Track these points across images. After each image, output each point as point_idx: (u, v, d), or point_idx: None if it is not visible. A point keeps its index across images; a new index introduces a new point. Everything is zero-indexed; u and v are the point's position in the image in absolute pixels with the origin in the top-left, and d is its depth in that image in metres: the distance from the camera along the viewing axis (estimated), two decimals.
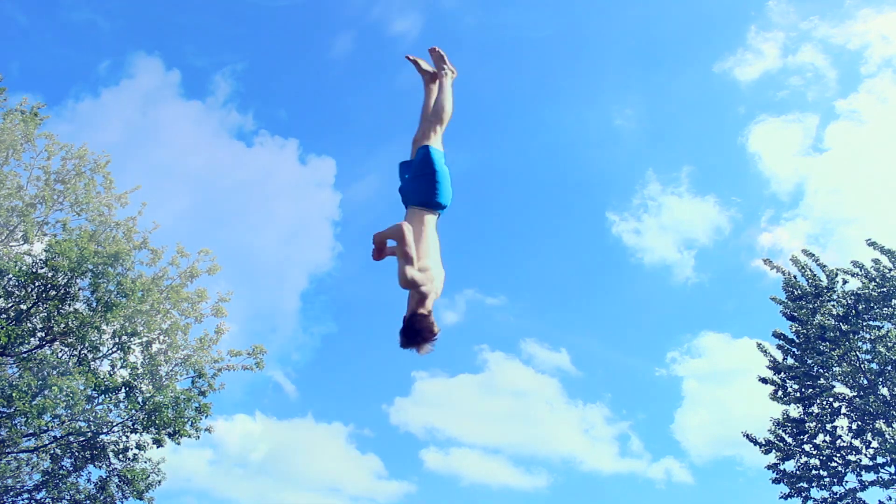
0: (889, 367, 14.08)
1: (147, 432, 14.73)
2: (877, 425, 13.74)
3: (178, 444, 14.88)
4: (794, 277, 15.49)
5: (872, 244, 15.04)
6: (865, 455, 14.19)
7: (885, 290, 14.31)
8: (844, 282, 15.06)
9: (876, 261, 14.91)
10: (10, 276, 14.37)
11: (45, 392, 13.93)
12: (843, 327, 14.40)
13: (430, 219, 4.79)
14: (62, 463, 15.01)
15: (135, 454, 15.05)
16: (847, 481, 14.19)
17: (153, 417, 14.53)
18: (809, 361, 14.86)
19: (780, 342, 15.45)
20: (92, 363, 14.82)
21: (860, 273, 14.93)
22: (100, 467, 14.99)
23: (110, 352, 15.07)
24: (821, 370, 14.86)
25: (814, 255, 15.52)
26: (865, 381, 14.39)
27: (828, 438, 14.57)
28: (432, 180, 4.84)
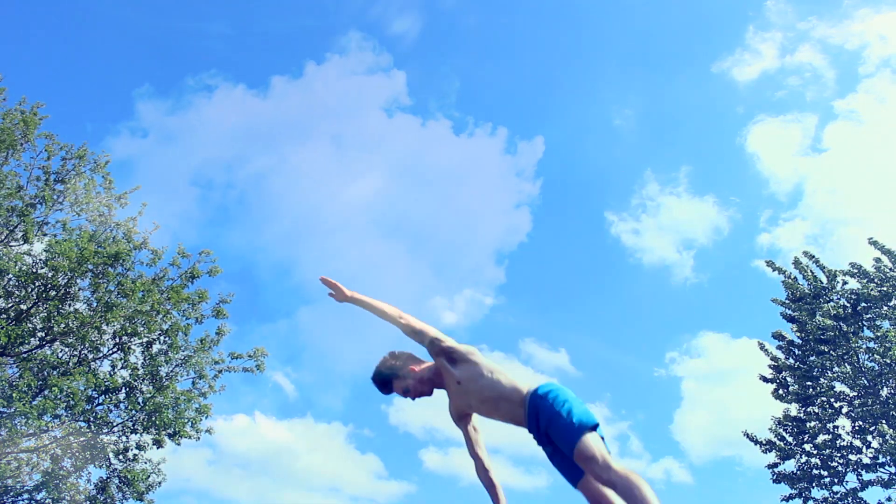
0: (889, 367, 14.08)
1: (147, 433, 14.71)
2: (880, 426, 13.75)
3: (178, 444, 14.87)
4: (795, 279, 15.50)
5: (874, 243, 15.05)
6: (866, 455, 14.20)
7: (884, 289, 14.32)
8: (844, 282, 15.07)
9: (877, 260, 14.92)
10: (10, 275, 14.35)
11: (46, 392, 13.92)
12: (843, 327, 14.40)
13: None
14: (62, 463, 14.97)
15: (135, 454, 15.02)
16: (847, 481, 14.20)
17: (153, 418, 14.52)
18: (812, 358, 14.87)
19: (781, 343, 15.46)
20: (92, 363, 14.81)
21: (859, 274, 14.94)
22: (100, 468, 14.95)
23: (111, 352, 15.06)
24: (821, 370, 14.87)
25: (814, 256, 15.54)
26: (866, 382, 14.39)
27: (828, 438, 14.58)
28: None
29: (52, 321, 14.39)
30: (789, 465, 14.78)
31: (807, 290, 15.20)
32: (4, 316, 14.34)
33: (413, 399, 3.89)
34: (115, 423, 14.78)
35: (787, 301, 15.44)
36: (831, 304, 14.98)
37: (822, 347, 14.61)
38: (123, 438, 14.95)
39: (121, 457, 14.94)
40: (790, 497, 14.38)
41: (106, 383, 14.35)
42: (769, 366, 15.53)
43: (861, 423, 14.23)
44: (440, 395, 4.13)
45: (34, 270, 14.49)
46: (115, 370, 14.88)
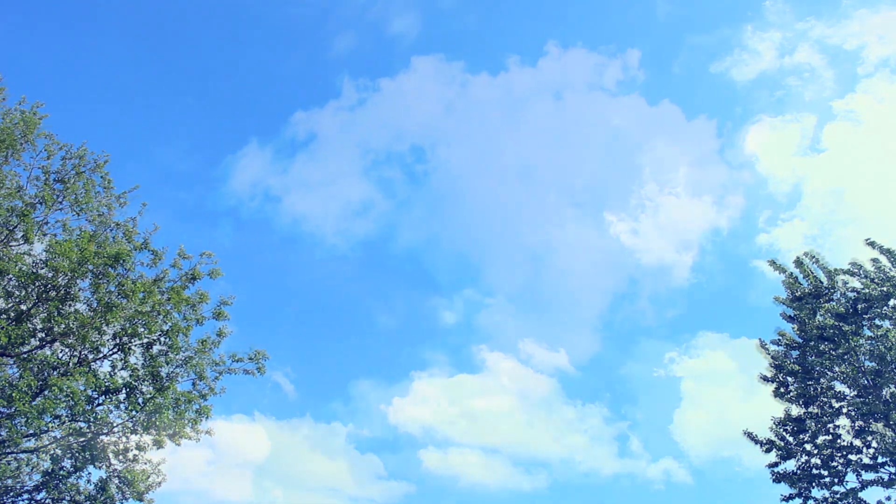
0: (890, 367, 14.08)
1: (147, 433, 14.69)
2: (877, 426, 13.75)
3: (179, 445, 14.86)
4: (796, 278, 15.51)
5: (871, 244, 15.06)
6: (866, 455, 14.20)
7: (885, 289, 14.32)
8: (845, 282, 15.08)
9: (875, 260, 14.94)
10: (11, 276, 14.32)
11: (46, 393, 13.89)
12: (843, 327, 14.40)
13: None
14: (62, 464, 14.94)
15: (135, 455, 15.01)
16: (847, 481, 14.20)
17: (153, 419, 14.48)
18: (812, 358, 14.87)
19: (782, 342, 15.46)
20: (92, 364, 14.78)
21: (859, 273, 14.96)
22: (100, 468, 14.93)
23: (111, 352, 15.02)
24: (821, 370, 14.88)
25: (815, 256, 15.55)
26: (866, 381, 14.40)
27: (829, 438, 14.58)
28: None
29: (53, 322, 14.35)
30: (789, 465, 14.79)
31: (808, 290, 15.21)
32: (4, 316, 14.31)
33: None
34: (115, 424, 14.76)
35: (786, 300, 15.45)
36: (832, 303, 15.00)
37: (823, 346, 14.60)
38: (123, 439, 14.94)
39: (121, 457, 14.92)
40: (790, 497, 14.38)
41: (106, 384, 14.32)
42: (770, 365, 15.54)
43: (861, 422, 14.23)
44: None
45: (34, 271, 14.46)
46: (115, 371, 14.85)
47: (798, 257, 15.61)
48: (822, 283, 15.25)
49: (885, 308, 14.40)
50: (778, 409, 15.57)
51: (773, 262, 15.83)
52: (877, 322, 14.57)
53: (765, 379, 15.53)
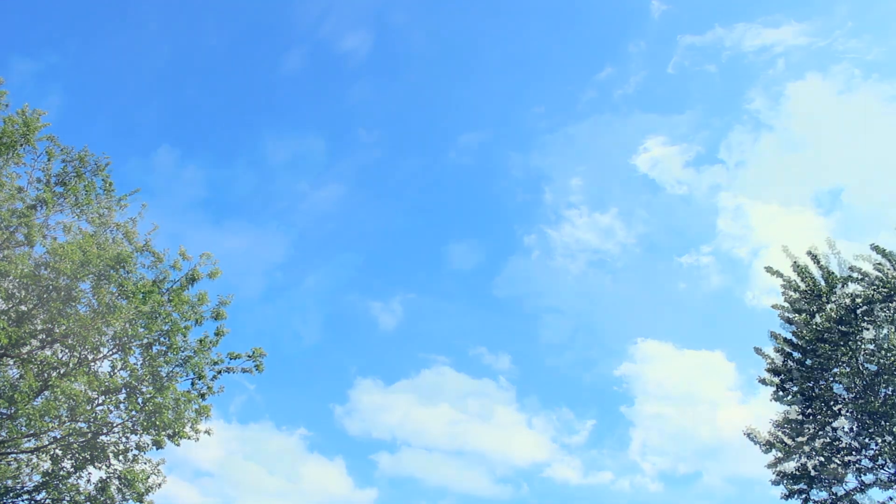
0: (889, 369, 14.03)
1: (147, 434, 14.73)
2: (876, 428, 13.70)
3: (178, 445, 14.89)
4: (794, 280, 15.47)
5: (875, 248, 15.02)
6: (865, 456, 14.16)
7: (885, 290, 14.27)
8: (844, 285, 15.03)
9: (879, 264, 14.89)
10: (12, 277, 14.35)
11: (47, 394, 13.93)
12: (843, 329, 14.35)
13: None
14: (62, 464, 14.99)
15: (135, 455, 15.05)
16: (847, 482, 14.16)
17: (153, 419, 14.52)
18: (810, 360, 14.83)
19: (780, 344, 15.41)
20: (92, 364, 14.83)
21: (858, 276, 14.92)
22: (99, 468, 14.97)
23: (111, 352, 15.08)
24: (820, 371, 14.83)
25: (816, 256, 15.49)
26: (864, 383, 14.35)
27: (828, 439, 14.53)
28: None
29: (54, 323, 14.39)
30: (788, 467, 14.73)
31: (806, 290, 15.17)
32: (5, 317, 14.35)
33: None
34: (115, 424, 14.81)
35: (784, 305, 15.42)
36: (831, 305, 14.95)
37: (822, 348, 14.54)
38: (123, 439, 14.98)
39: (121, 457, 14.96)
40: (789, 494, 14.34)
41: (106, 384, 14.37)
42: (766, 368, 15.50)
43: (860, 424, 14.19)
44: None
45: (35, 272, 14.50)
46: (115, 371, 14.90)
47: (795, 261, 15.55)
48: (820, 284, 15.20)
49: (885, 311, 14.34)
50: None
51: (769, 269, 15.74)
52: (877, 324, 14.51)
53: (763, 382, 15.47)
